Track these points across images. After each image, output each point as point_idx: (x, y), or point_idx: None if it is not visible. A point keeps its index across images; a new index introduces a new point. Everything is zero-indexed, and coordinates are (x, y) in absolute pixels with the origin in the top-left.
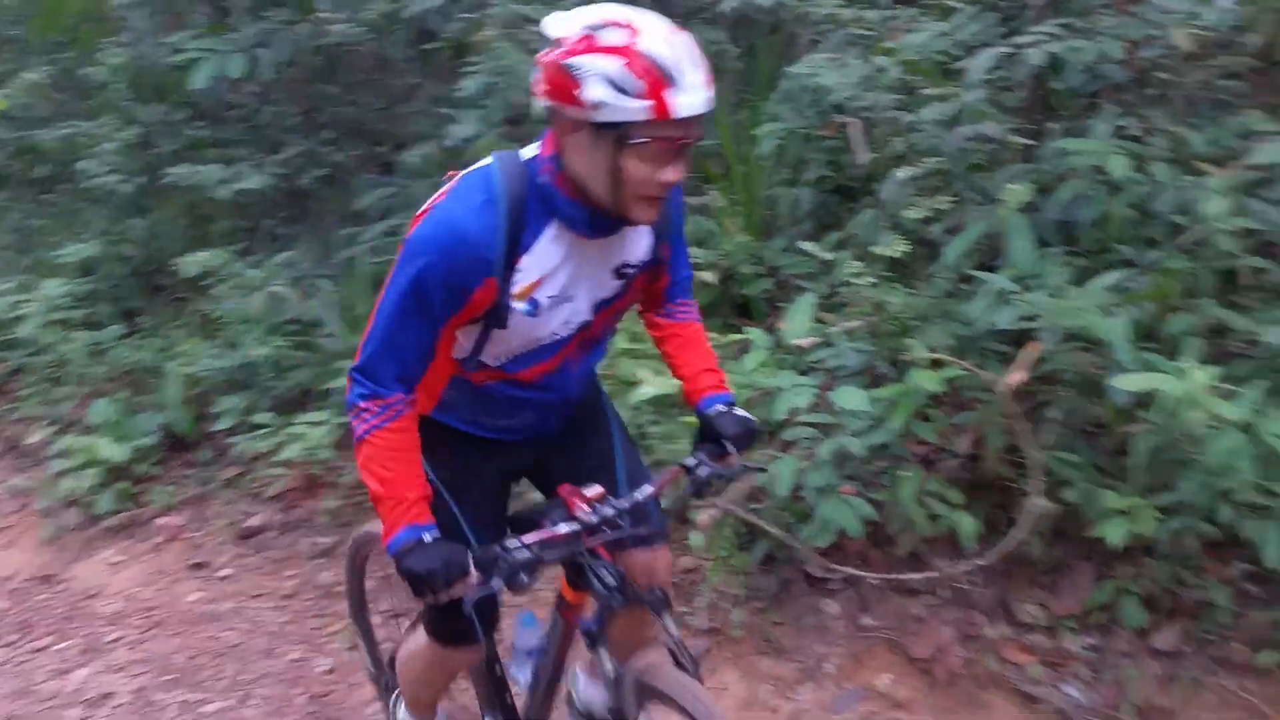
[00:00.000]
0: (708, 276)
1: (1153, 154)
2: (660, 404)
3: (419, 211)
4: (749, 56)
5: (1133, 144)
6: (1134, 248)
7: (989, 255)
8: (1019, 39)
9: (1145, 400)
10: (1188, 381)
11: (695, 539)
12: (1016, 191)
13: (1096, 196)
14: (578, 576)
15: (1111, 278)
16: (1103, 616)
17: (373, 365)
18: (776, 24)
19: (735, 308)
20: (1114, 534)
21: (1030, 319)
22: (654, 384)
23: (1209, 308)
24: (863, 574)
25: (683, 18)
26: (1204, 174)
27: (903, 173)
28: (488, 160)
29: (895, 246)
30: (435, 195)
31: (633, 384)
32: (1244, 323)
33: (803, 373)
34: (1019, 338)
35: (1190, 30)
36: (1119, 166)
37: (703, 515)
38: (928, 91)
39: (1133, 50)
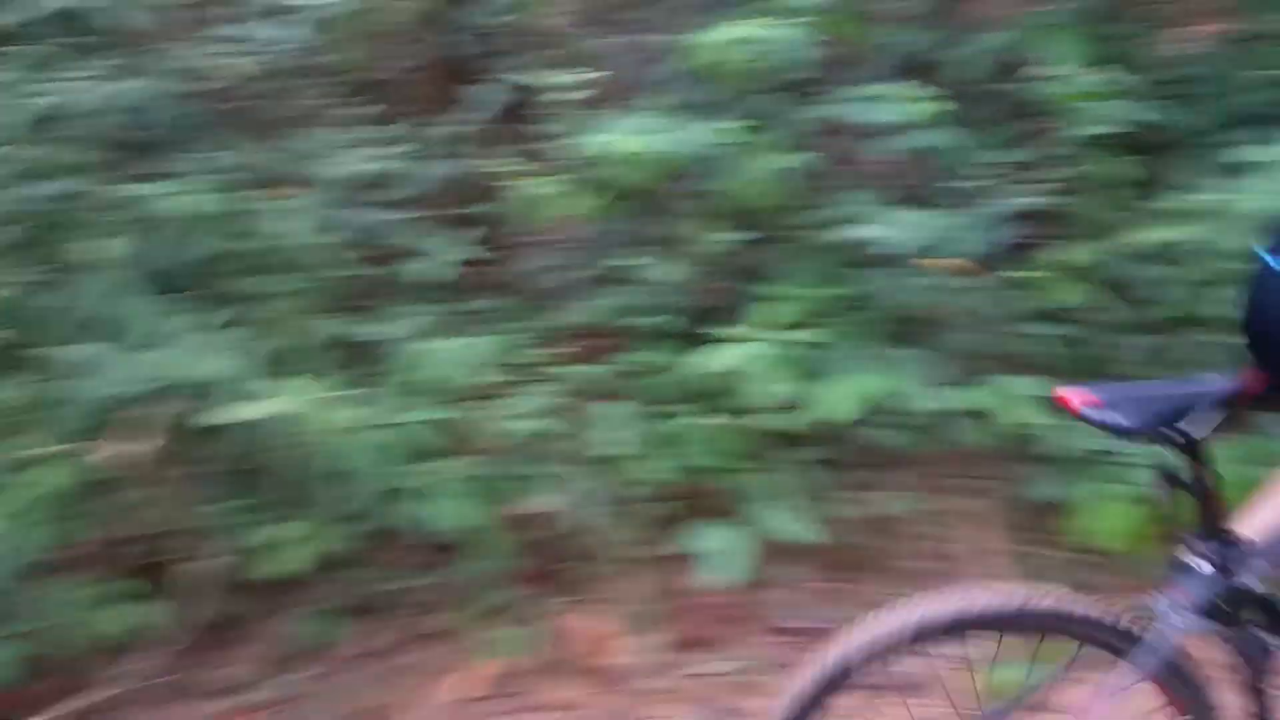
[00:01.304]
0: None
1: (242, 183)
2: None
3: None
4: None
5: (227, 176)
6: (257, 277)
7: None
8: (45, 88)
9: (288, 427)
10: (305, 398)
11: None
12: (112, 247)
13: (196, 236)
14: None
15: (224, 315)
16: (321, 639)
17: None
18: None
19: None
20: (296, 562)
21: (154, 379)
22: None
23: (325, 323)
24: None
25: None
26: (287, 196)
27: None
28: None
29: None
30: None
31: None
32: (363, 329)
33: None
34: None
35: (257, 58)
36: (209, 204)
37: None
38: None
39: (195, 84)
